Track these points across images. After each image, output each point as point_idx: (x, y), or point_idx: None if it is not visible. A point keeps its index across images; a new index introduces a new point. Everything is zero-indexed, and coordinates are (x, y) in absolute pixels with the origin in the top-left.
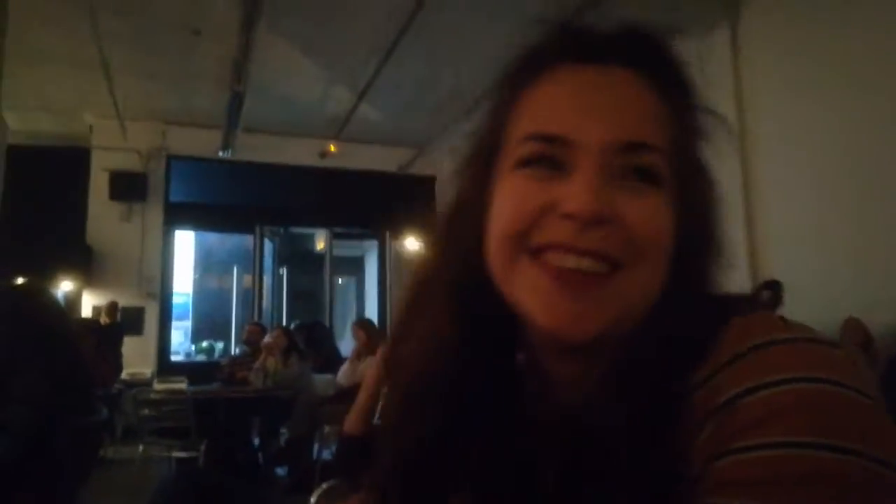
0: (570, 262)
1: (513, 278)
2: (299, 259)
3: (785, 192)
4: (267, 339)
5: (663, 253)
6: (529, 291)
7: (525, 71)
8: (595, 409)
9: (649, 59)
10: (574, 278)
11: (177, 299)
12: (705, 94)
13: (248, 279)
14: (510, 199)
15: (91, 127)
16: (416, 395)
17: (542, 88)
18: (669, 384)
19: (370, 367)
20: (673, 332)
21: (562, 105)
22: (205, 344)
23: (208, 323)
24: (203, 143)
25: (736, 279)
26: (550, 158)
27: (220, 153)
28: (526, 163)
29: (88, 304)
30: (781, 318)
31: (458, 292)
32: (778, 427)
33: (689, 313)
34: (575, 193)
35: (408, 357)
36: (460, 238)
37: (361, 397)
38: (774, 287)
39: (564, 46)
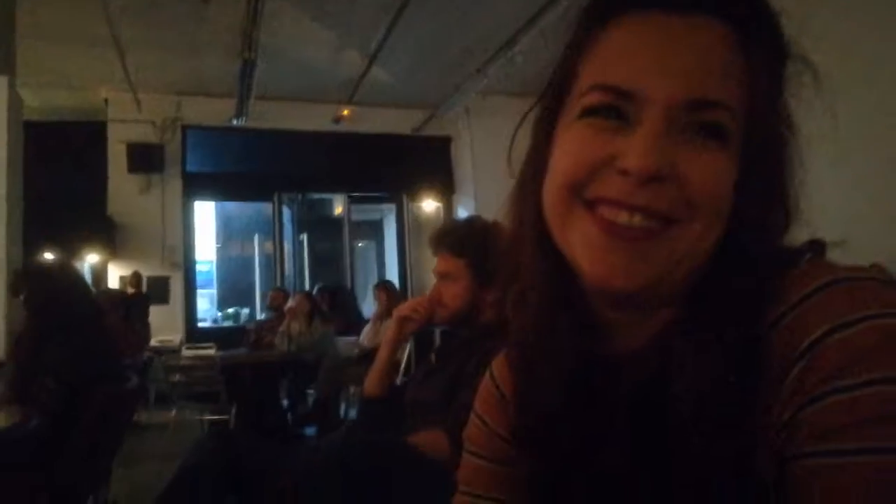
0: (623, 217)
1: (566, 228)
2: (318, 224)
3: (816, 141)
4: (290, 303)
5: (719, 209)
6: (580, 242)
7: (599, 14)
8: (662, 356)
9: (734, 8)
10: (625, 233)
11: (201, 267)
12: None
13: (269, 246)
14: (570, 149)
15: (106, 100)
16: (526, 359)
17: (614, 35)
18: (742, 327)
19: (388, 330)
20: (741, 279)
21: (632, 56)
22: (230, 310)
23: (233, 290)
24: (217, 112)
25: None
26: (615, 109)
27: (234, 121)
28: (590, 112)
29: (115, 275)
30: (838, 264)
31: (535, 241)
32: (866, 366)
33: (755, 262)
34: (634, 150)
35: (517, 306)
36: (528, 184)
37: (379, 360)
38: (818, 248)
39: None
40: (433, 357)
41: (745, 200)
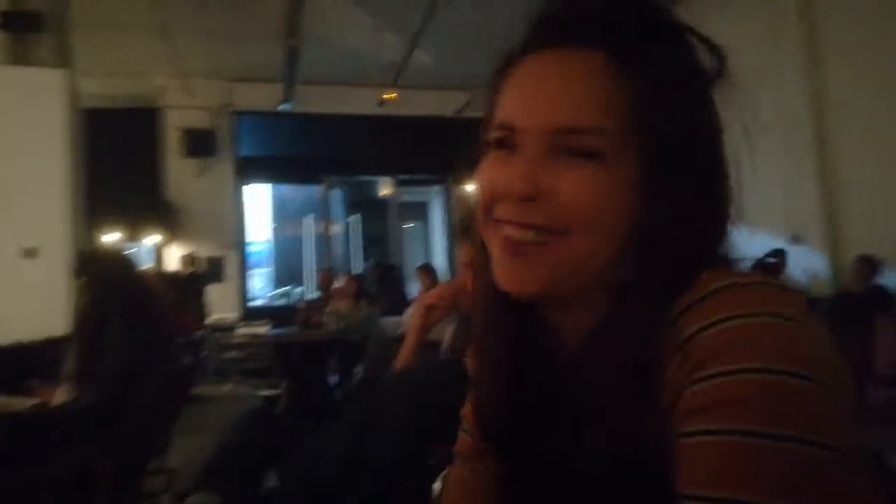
0: (516, 234)
1: (487, 242)
2: (367, 206)
3: (858, 111)
4: (337, 284)
5: (604, 222)
6: (494, 255)
7: (507, 60)
8: (585, 355)
9: (614, 37)
10: (517, 247)
11: (257, 247)
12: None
13: (321, 226)
14: (483, 176)
15: (161, 87)
16: (481, 357)
17: (512, 78)
18: (643, 331)
19: (414, 316)
20: (650, 289)
21: (516, 94)
22: (283, 289)
23: (287, 269)
24: (266, 97)
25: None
26: (509, 142)
27: (282, 106)
28: (495, 145)
29: (176, 255)
30: (747, 272)
31: (481, 248)
32: (719, 359)
33: (666, 272)
34: (510, 176)
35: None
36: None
37: (407, 345)
38: (780, 254)
39: (534, 35)
40: (458, 344)
41: (654, 212)
